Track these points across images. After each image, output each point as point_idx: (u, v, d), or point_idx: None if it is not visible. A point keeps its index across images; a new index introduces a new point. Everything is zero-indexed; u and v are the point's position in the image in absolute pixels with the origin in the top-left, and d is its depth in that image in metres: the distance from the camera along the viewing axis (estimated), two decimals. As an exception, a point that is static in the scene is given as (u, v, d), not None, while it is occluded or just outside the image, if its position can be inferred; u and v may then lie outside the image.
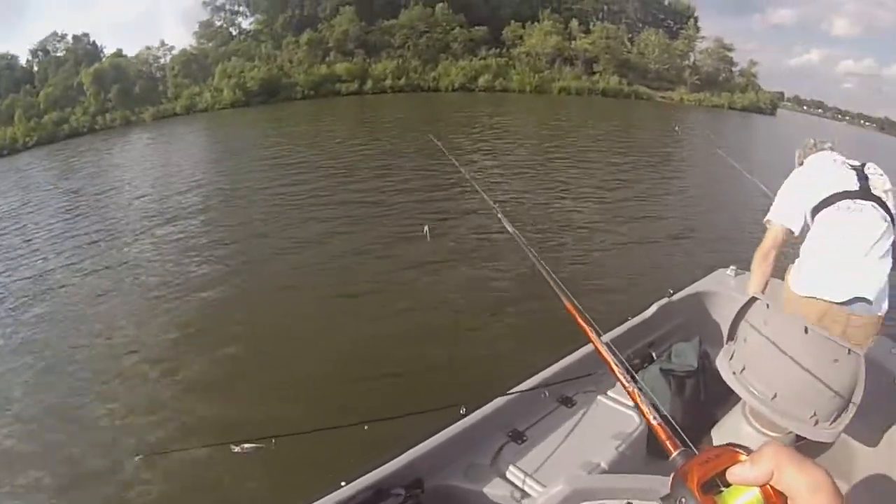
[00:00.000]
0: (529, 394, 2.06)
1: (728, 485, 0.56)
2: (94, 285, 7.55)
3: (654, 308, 2.63)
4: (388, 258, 7.17)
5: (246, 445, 1.64)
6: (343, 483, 1.69)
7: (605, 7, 50.18)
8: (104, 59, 32.18)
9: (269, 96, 30.78)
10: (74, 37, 33.60)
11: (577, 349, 2.24)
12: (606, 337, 1.62)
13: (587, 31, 46.59)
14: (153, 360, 5.35)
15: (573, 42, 44.37)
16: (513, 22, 43.63)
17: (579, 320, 1.46)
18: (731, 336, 1.94)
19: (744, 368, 1.81)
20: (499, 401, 2.01)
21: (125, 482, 3.93)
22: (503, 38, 42.86)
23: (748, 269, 2.38)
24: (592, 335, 1.38)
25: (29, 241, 10.50)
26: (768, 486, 0.54)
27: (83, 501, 3.86)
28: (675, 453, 0.81)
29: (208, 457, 3.89)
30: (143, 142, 24.81)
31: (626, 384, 1.17)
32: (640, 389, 1.12)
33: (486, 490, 1.79)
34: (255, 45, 33.09)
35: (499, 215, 2.28)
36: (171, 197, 12.38)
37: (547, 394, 2.10)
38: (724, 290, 2.81)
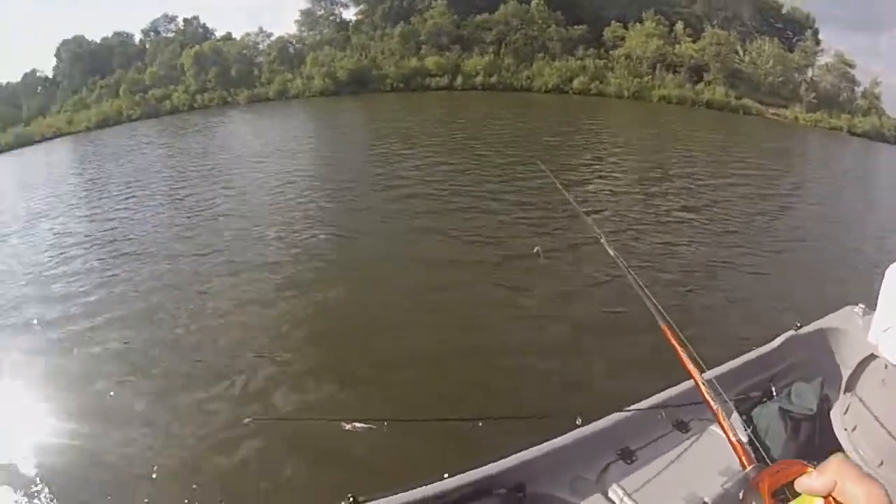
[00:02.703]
0: (645, 414, 2.04)
1: (796, 494, 0.62)
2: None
3: (779, 340, 2.61)
4: (496, 274, 7.16)
5: (357, 424, 1.70)
6: (446, 475, 1.72)
7: (719, 13, 45.83)
8: (204, 43, 33.11)
9: (359, 86, 30.39)
10: (185, 19, 35.08)
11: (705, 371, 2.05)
12: (725, 367, 2.22)
13: (694, 37, 42.57)
14: (274, 336, 5.90)
15: (677, 47, 40.59)
16: (614, 22, 40.55)
17: (681, 355, 1.48)
18: (850, 388, 1.92)
19: (855, 427, 1.78)
20: (614, 417, 2.01)
21: (234, 441, 4.35)
22: (603, 38, 40.15)
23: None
24: (693, 371, 1.41)
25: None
26: (831, 497, 0.58)
27: (194, 452, 4.33)
28: (749, 467, 0.92)
29: (318, 430, 3.99)
30: (246, 121, 26.91)
31: (714, 408, 1.25)
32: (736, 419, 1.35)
33: None
34: (348, 36, 32.81)
35: (602, 240, 2.29)
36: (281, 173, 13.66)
37: (663, 415, 2.07)
38: (851, 329, 2.71)
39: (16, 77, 37.36)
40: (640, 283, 1.88)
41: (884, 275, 1.89)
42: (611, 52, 39.85)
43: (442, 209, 9.95)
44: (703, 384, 1.36)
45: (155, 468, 4.14)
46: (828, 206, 12.17)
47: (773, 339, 2.62)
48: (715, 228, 9.56)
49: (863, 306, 2.88)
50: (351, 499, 1.77)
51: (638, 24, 40.56)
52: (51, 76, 36.90)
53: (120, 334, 6.18)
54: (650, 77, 38.79)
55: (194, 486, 3.99)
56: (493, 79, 33.60)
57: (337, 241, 8.69)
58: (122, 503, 3.92)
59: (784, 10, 48.24)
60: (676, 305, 6.22)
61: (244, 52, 32.99)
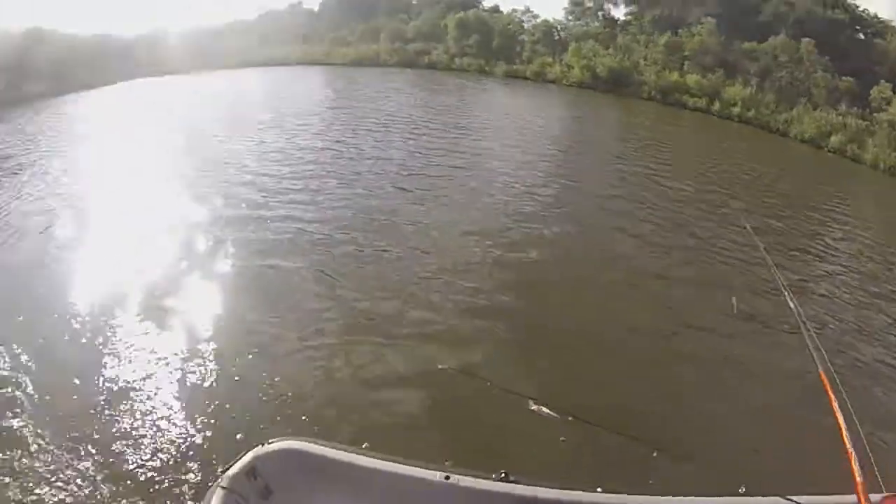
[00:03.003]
0: None
1: None
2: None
3: None
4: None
5: (544, 409, 1.87)
6: (599, 489, 1.85)
7: None
8: (470, 11, 34.30)
9: (616, 86, 29.98)
10: (456, -15, 36.52)
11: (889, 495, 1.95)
12: None
13: None
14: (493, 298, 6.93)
15: None
16: (883, 81, 36.76)
17: (853, 465, 1.43)
18: None
19: None
20: (774, 500, 1.95)
21: (425, 385, 4.98)
22: (870, 97, 36.50)
23: None
24: (860, 485, 1.35)
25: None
26: None
27: (393, 390, 5.06)
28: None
29: (501, 399, 3.94)
30: (505, 93, 28.99)
31: None
32: None
33: None
34: (615, 34, 32.41)
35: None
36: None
37: None
38: None
39: (282, 5, 41.30)
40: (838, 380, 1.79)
41: None
42: (875, 114, 36.22)
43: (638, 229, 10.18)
44: (866, 497, 1.33)
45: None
46: None
47: None
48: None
49: None
50: (503, 474, 1.89)
51: None
52: (315, 11, 40.37)
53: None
54: None
55: (367, 404, 4.86)
56: (751, 113, 31.79)
57: (560, 232, 9.51)
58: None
59: None
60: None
61: (509, 27, 33.75)
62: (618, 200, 11.56)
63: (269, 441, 3.42)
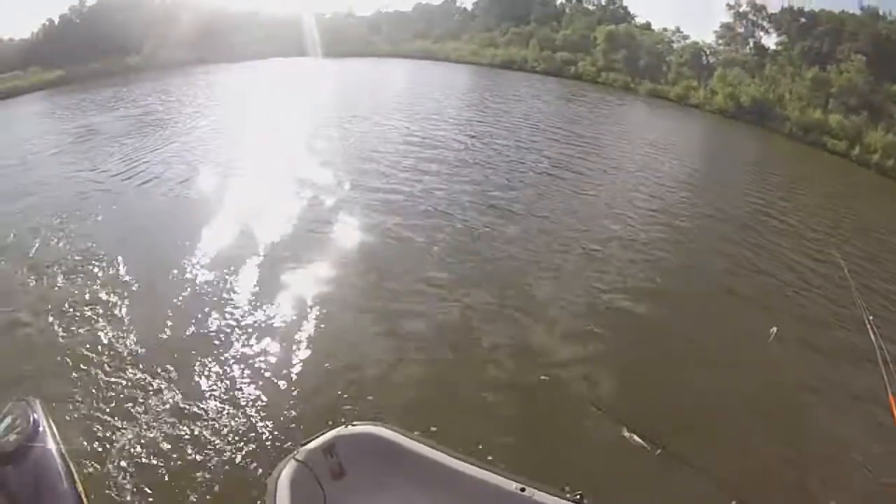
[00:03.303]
0: None
1: None
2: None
3: None
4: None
5: (636, 438, 1.67)
6: None
7: None
8: (620, 25, 35.88)
9: (758, 118, 31.27)
10: (608, -2, 38.07)
11: None
12: None
13: None
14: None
15: None
16: None
17: None
18: None
19: None
20: None
21: (516, 397, 5.44)
22: None
23: None
24: None
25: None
26: None
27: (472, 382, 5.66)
28: None
29: (594, 420, 4.49)
30: (648, 112, 30.79)
31: None
32: None
33: None
34: (763, 63, 33.32)
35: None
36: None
37: None
38: None
39: (437, 1, 44.22)
40: None
41: None
42: None
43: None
44: None
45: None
46: None
47: None
48: None
49: None
50: (578, 496, 1.82)
51: None
52: (469, 9, 43.10)
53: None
54: None
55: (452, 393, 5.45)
56: (891, 162, 31.98)
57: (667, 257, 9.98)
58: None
59: None
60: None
61: (658, 46, 35.19)
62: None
63: (353, 423, 3.53)
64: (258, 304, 7.02)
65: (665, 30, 36.50)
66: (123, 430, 4.72)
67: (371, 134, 16.74)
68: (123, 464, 4.31)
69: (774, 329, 5.65)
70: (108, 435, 4.64)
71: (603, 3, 38.48)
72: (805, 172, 26.65)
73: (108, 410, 4.95)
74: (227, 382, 5.48)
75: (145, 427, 4.78)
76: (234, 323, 6.54)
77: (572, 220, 11.11)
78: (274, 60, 33.62)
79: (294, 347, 6.15)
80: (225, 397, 5.24)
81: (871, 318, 3.75)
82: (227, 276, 7.63)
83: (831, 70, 34.42)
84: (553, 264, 8.97)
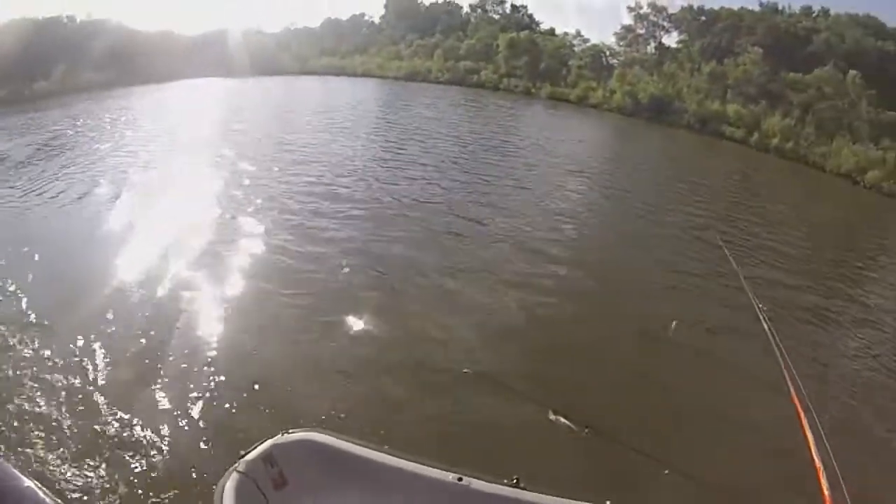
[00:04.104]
0: None
1: None
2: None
3: None
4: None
5: (563, 420, 1.86)
6: (608, 502, 1.73)
7: None
8: (522, 32, 35.74)
9: (656, 114, 31.08)
10: (513, 5, 38.04)
11: None
12: None
13: None
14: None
15: None
16: (929, 114, 36.09)
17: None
18: None
19: None
20: None
21: (448, 385, 5.29)
22: (916, 133, 35.98)
23: None
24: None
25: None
26: None
27: (404, 379, 5.40)
28: None
29: (519, 405, 4.41)
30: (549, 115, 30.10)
31: None
32: None
33: None
34: (660, 61, 33.36)
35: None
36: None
37: None
38: None
39: (344, 16, 43.71)
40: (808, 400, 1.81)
41: None
42: (919, 151, 35.74)
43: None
44: None
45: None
46: None
47: None
48: None
49: None
50: (515, 480, 1.91)
51: None
52: (376, 23, 42.58)
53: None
54: None
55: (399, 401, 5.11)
56: (789, 145, 32.17)
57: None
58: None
59: None
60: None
61: (560, 50, 35.09)
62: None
63: (289, 430, 3.50)
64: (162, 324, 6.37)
65: (566, 34, 36.63)
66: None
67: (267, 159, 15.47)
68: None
69: (674, 323, 5.91)
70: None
71: (507, 11, 38.43)
72: (698, 158, 26.63)
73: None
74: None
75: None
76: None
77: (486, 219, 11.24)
78: (187, 81, 32.38)
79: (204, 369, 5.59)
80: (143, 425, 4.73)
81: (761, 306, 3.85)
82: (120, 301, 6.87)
83: (728, 63, 34.75)
84: (475, 258, 9.08)
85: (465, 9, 40.46)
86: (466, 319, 6.89)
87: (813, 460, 1.55)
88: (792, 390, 1.93)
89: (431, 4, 40.72)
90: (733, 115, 32.36)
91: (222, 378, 5.38)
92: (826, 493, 1.52)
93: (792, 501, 4.32)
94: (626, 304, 8.31)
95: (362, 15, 42.82)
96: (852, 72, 35.87)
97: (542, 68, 34.31)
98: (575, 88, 33.24)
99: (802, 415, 1.77)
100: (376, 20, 42.36)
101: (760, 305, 4.02)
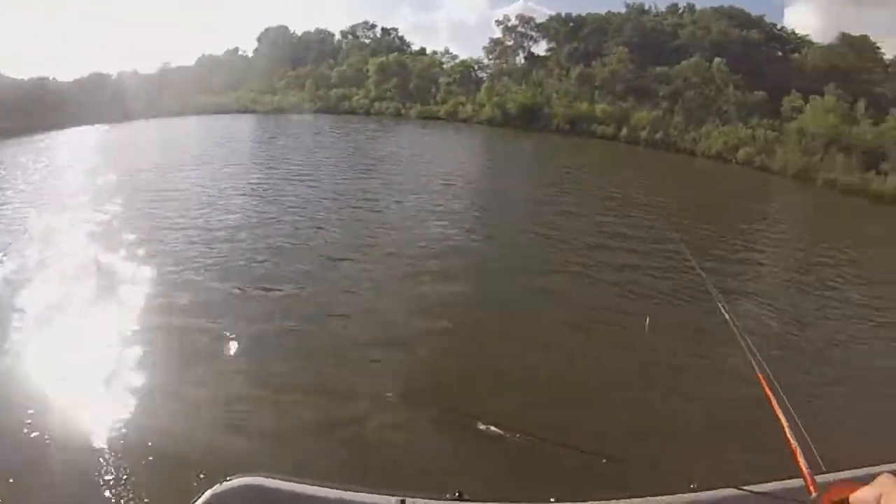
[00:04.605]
0: (759, 499, 1.95)
1: None
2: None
3: None
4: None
5: (493, 428, 1.80)
6: (553, 499, 1.78)
7: None
8: (391, 55, 35.13)
9: (527, 121, 30.85)
10: (383, 29, 37.46)
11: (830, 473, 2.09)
12: (846, 473, 1.90)
13: (877, 118, 38.40)
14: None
15: (855, 127, 37.04)
16: (794, 92, 37.53)
17: (800, 463, 1.51)
18: None
19: None
20: (727, 492, 1.99)
21: (369, 412, 5.14)
22: (781, 108, 37.33)
23: None
24: (802, 466, 1.45)
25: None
26: None
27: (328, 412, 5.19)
28: (814, 494, 1.07)
29: (448, 420, 4.34)
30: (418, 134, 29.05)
31: None
32: None
33: None
34: (529, 70, 33.37)
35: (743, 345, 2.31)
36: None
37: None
38: None
39: (219, 51, 42.06)
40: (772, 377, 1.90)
41: None
42: (785, 123, 37.17)
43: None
44: (813, 486, 1.45)
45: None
46: None
47: None
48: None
49: None
50: (457, 494, 1.94)
51: (818, 97, 37.22)
52: (250, 56, 41.11)
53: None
54: (820, 157, 35.56)
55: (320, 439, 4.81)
56: (659, 135, 32.64)
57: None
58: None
59: None
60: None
61: (431, 69, 34.65)
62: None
63: (227, 478, 2.92)
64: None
65: (436, 53, 36.31)
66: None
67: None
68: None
69: (648, 320, 5.80)
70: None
71: (378, 35, 37.86)
72: (565, 158, 26.31)
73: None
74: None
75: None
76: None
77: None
78: (64, 133, 29.84)
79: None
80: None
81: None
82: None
83: (596, 65, 35.22)
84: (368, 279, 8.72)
85: (337, 36, 39.87)
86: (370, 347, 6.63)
87: (784, 431, 1.59)
88: (757, 371, 1.92)
89: (304, 34, 39.76)
90: (601, 114, 32.57)
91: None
92: (801, 461, 1.51)
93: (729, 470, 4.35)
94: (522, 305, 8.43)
95: (236, 49, 41.51)
96: (717, 59, 36.95)
97: (412, 88, 33.73)
98: (444, 105, 32.74)
99: (771, 395, 1.75)
100: (250, 54, 41.20)
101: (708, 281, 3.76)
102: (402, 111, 33.22)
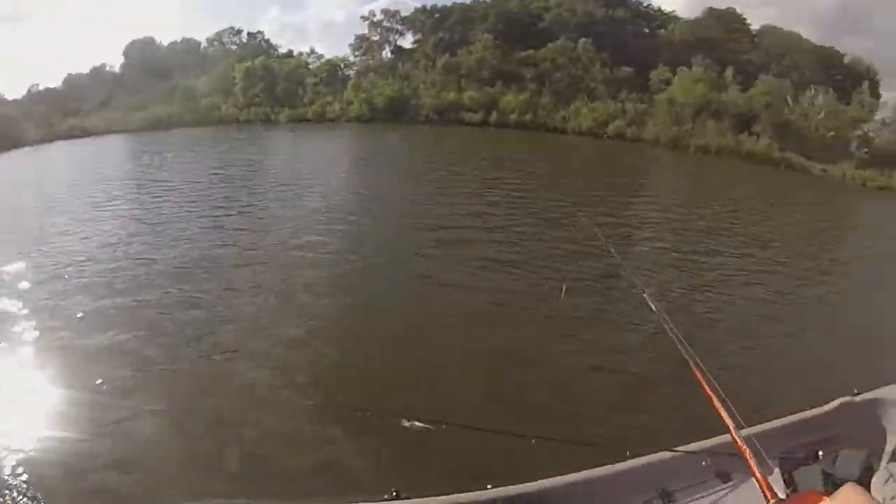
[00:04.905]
0: (690, 458, 2.09)
1: None
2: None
3: (833, 405, 2.58)
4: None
5: (417, 423, 1.89)
6: (489, 486, 1.80)
7: (778, 61, 43.34)
8: (257, 59, 34.25)
9: (396, 115, 30.70)
10: (249, 33, 36.42)
11: (754, 426, 2.21)
12: (771, 424, 2.31)
13: (746, 85, 40.53)
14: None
15: (724, 94, 38.73)
16: (662, 65, 39.06)
17: (719, 411, 1.62)
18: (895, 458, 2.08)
19: (893, 498, 1.77)
20: (659, 456, 2.08)
21: (293, 418, 4.99)
22: (650, 82, 38.75)
23: None
24: (731, 426, 1.57)
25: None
26: None
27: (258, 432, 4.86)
28: (772, 501, 1.03)
29: (376, 423, 4.16)
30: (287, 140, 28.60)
31: (752, 467, 1.41)
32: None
33: None
34: (394, 64, 33.27)
35: (644, 294, 2.63)
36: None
37: (708, 462, 2.11)
38: None
39: (85, 69, 39.64)
40: (681, 337, 1.99)
41: None
42: (654, 96, 38.57)
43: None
44: (741, 440, 1.48)
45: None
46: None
47: (827, 403, 2.62)
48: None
49: None
50: (394, 493, 1.99)
51: (686, 69, 38.82)
52: (118, 72, 39.00)
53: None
54: (690, 125, 37.05)
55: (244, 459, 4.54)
56: (528, 117, 33.17)
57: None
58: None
59: (846, 60, 45.65)
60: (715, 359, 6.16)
61: (298, 70, 33.94)
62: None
63: None
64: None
65: (301, 54, 35.65)
66: None
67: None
68: None
69: (564, 287, 6.06)
70: None
71: (244, 40, 36.89)
72: (435, 147, 26.32)
73: None
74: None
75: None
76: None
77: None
78: None
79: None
80: None
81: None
82: None
83: (462, 54, 35.31)
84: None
85: (204, 43, 38.47)
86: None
87: (705, 391, 1.68)
88: (672, 337, 2.02)
89: (170, 44, 38.14)
90: (469, 101, 32.68)
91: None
92: (723, 414, 1.62)
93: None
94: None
95: (103, 66, 39.28)
96: (583, 39, 37.98)
97: (279, 92, 32.97)
98: (312, 106, 32.16)
99: (687, 357, 1.86)
100: (117, 69, 39.12)
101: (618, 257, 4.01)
102: (272, 116, 32.21)
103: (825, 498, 0.71)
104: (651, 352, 6.28)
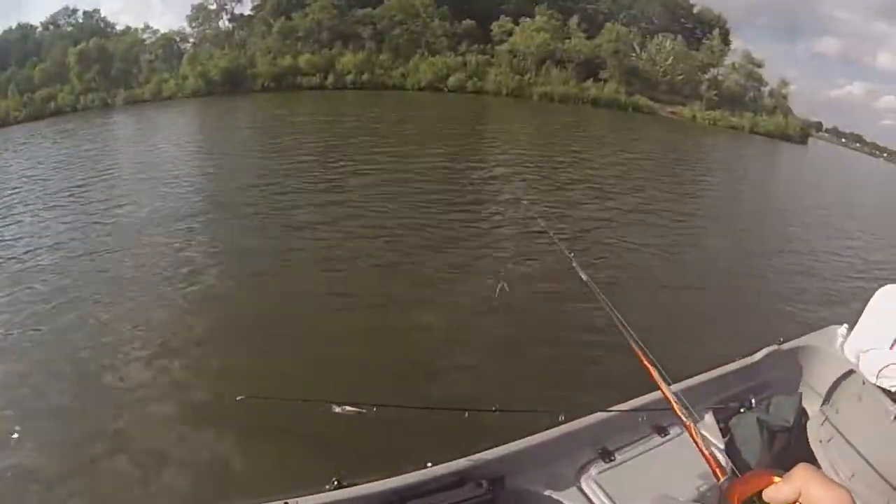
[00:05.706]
0: (626, 416, 2.12)
1: (765, 503, 0.70)
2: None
3: (761, 354, 2.64)
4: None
5: (348, 408, 1.76)
6: (430, 464, 1.80)
7: (626, 10, 45.47)
8: (91, 40, 33.26)
9: (232, 87, 31.06)
10: (85, 12, 34.87)
11: (685, 380, 2.30)
12: (702, 377, 2.27)
13: (593, 33, 42.52)
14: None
15: (567, 42, 40.59)
16: (503, 17, 40.41)
17: (648, 367, 1.64)
18: (827, 401, 2.04)
19: (830, 439, 1.87)
20: (595, 417, 2.09)
21: (225, 418, 4.78)
22: (491, 34, 40.08)
23: None
24: (661, 383, 1.59)
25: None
26: (798, 503, 0.66)
27: (188, 429, 4.79)
28: (722, 479, 1.02)
29: (307, 411, 3.87)
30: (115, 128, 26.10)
31: (685, 420, 1.44)
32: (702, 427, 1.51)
33: (563, 501, 1.85)
34: (232, 33, 33.21)
35: (556, 240, 2.84)
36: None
37: (644, 418, 2.15)
38: (832, 347, 2.70)
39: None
40: (610, 303, 2.04)
41: (871, 296, 1.88)
42: (496, 47, 39.88)
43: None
44: (672, 395, 1.50)
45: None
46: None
47: (754, 353, 2.66)
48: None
49: (847, 326, 2.76)
50: (335, 482, 1.97)
51: (528, 18, 39.35)
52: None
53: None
54: (534, 74, 38.32)
55: (176, 459, 4.50)
56: (365, 76, 34.05)
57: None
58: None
59: (695, 10, 48.21)
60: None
61: (133, 48, 33.25)
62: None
63: None
64: None
65: (136, 30, 34.79)
66: None
67: None
68: None
69: (502, 284, 5.64)
70: None
71: (80, 21, 35.63)
72: (273, 119, 25.53)
73: None
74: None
75: None
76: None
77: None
78: None
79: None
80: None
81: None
82: None
83: (297, 16, 34.98)
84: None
85: (39, 28, 36.43)
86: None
87: (633, 349, 1.68)
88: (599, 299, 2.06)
89: (5, 31, 35.21)
90: (305, 65, 32.75)
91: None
92: (652, 369, 1.61)
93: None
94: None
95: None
96: (421, -7, 38.66)
97: (115, 73, 32.49)
98: (148, 85, 31.98)
99: (614, 316, 1.90)
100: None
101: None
102: (109, 101, 31.20)
103: (777, 478, 0.65)
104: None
